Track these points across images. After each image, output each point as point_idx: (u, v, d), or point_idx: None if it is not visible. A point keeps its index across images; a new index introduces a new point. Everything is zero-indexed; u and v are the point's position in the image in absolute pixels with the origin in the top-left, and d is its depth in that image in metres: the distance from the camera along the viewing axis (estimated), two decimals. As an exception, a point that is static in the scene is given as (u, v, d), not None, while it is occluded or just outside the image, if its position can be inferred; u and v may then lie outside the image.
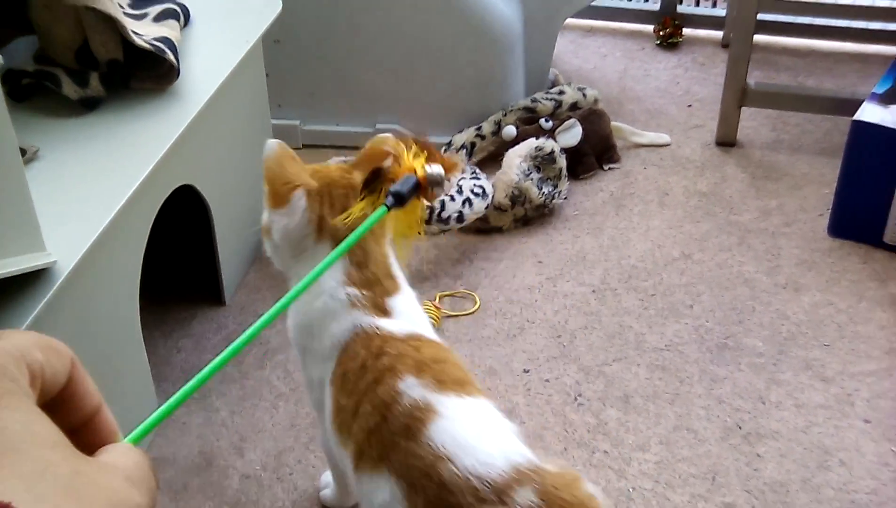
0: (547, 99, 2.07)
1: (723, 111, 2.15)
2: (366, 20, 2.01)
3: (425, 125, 2.10)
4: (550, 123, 2.03)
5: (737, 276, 1.76)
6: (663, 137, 2.18)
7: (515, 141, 1.99)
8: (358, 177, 1.16)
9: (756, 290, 1.73)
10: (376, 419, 1.03)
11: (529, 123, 2.05)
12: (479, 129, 2.05)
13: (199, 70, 1.53)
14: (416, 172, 1.08)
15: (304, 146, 2.14)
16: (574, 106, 2.09)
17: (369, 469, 1.04)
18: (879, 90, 1.89)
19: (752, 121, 2.24)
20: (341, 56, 2.05)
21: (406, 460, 1.00)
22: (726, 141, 2.18)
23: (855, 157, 1.83)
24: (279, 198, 1.14)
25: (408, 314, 1.15)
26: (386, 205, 0.99)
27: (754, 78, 2.32)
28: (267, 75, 1.81)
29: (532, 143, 1.93)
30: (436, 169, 1.08)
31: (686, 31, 2.60)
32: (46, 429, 0.38)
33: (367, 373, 1.07)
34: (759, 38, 2.50)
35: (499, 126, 2.05)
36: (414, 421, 1.01)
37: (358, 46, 2.04)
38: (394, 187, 1.03)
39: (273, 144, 1.15)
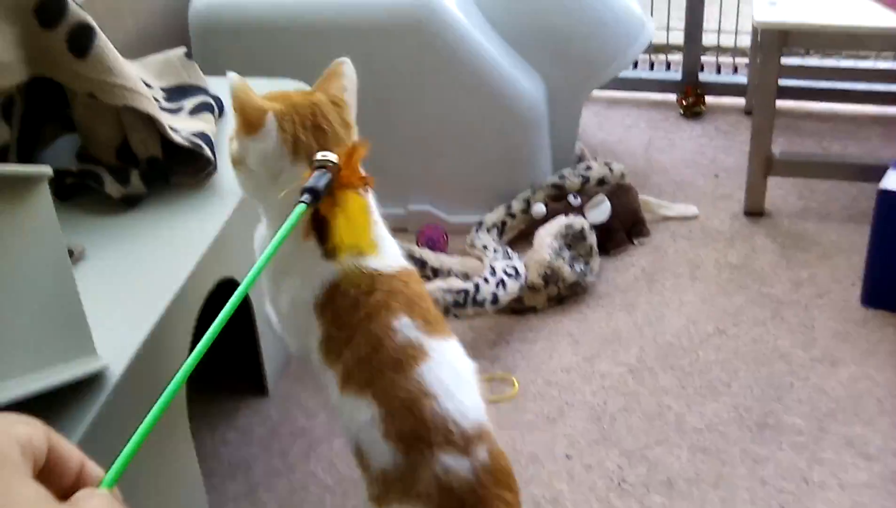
0: (574, 175, 2.09)
1: (749, 182, 2.16)
2: (395, 105, 2.04)
3: (456, 205, 2.12)
4: (579, 199, 2.04)
5: (772, 351, 1.76)
6: (691, 209, 2.19)
7: (545, 219, 2.00)
8: (320, 96, 1.25)
9: (793, 365, 1.72)
10: (367, 350, 1.13)
11: (558, 199, 2.06)
12: (509, 207, 2.07)
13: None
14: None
15: (336, 227, 2.15)
16: (601, 181, 2.10)
17: (354, 391, 1.14)
18: (907, 158, 1.90)
19: (779, 189, 2.25)
20: (372, 140, 2.07)
21: (391, 390, 1.11)
22: (754, 211, 2.18)
23: (883, 225, 1.83)
24: (252, 125, 1.17)
25: (389, 248, 1.26)
26: (304, 201, 1.00)
27: (779, 145, 2.34)
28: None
29: (562, 221, 1.95)
30: (322, 155, 1.11)
31: (709, 99, 2.63)
32: (36, 494, 0.46)
33: (360, 309, 1.15)
34: (781, 103, 2.52)
35: (528, 204, 2.07)
36: (406, 358, 1.12)
37: (388, 130, 2.07)
38: (307, 184, 1.05)
39: (234, 76, 1.17)
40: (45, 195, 0.99)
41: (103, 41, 1.38)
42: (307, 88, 1.36)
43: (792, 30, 1.99)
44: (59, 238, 1.04)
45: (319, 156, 1.11)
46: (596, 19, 2.13)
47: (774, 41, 2.01)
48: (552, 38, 2.09)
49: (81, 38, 1.35)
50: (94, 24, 1.37)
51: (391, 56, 2.00)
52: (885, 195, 1.81)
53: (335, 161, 1.11)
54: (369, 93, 2.01)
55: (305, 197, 1.05)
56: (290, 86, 1.63)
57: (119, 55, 1.41)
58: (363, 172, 1.23)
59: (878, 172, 1.87)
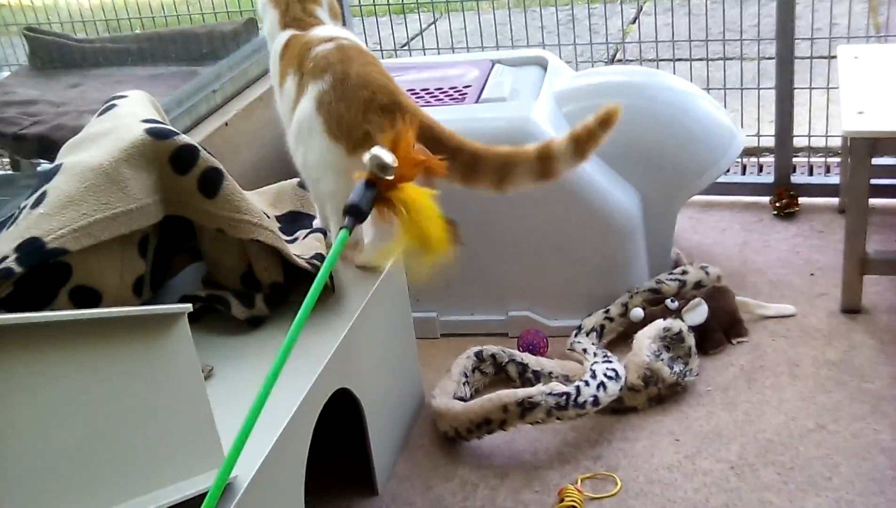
0: (671, 280, 2.17)
1: (845, 280, 2.21)
2: (495, 216, 2.16)
3: (555, 310, 2.22)
4: (676, 303, 2.12)
5: (873, 445, 1.79)
6: (788, 309, 2.24)
7: (643, 322, 2.08)
8: None
9: (894, 459, 1.75)
10: None
11: (655, 303, 2.14)
12: (607, 311, 2.15)
13: (348, 281, 1.69)
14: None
15: (442, 336, 2.27)
16: (698, 284, 2.17)
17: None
18: None
19: (875, 285, 2.28)
20: (473, 250, 2.20)
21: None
22: (851, 308, 2.22)
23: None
24: None
25: None
26: (346, 227, 1.02)
27: (873, 243, 2.37)
28: (407, 275, 1.96)
29: (660, 324, 2.02)
30: (376, 152, 1.11)
31: (802, 200, 2.68)
32: None
33: None
34: (875, 201, 2.57)
35: (626, 308, 2.15)
36: None
37: (489, 240, 2.19)
38: (348, 201, 1.06)
39: None
40: (184, 329, 1.12)
41: (230, 182, 1.54)
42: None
43: (881, 137, 2.06)
44: (196, 364, 1.17)
45: (370, 159, 1.11)
46: (686, 134, 2.23)
47: (864, 149, 2.08)
48: (645, 153, 2.20)
49: (211, 181, 1.52)
50: (221, 167, 1.53)
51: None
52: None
53: (388, 165, 1.12)
54: (472, 204, 2.16)
55: (348, 221, 1.07)
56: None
57: (244, 193, 1.56)
58: (419, 155, 1.25)
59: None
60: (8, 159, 2.50)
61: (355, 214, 1.09)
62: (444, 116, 2.14)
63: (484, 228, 2.17)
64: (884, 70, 2.32)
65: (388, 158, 1.16)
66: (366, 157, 1.15)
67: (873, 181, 2.14)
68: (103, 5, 3.38)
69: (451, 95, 2.27)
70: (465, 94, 2.27)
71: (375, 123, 1.54)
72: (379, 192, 1.13)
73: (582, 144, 1.60)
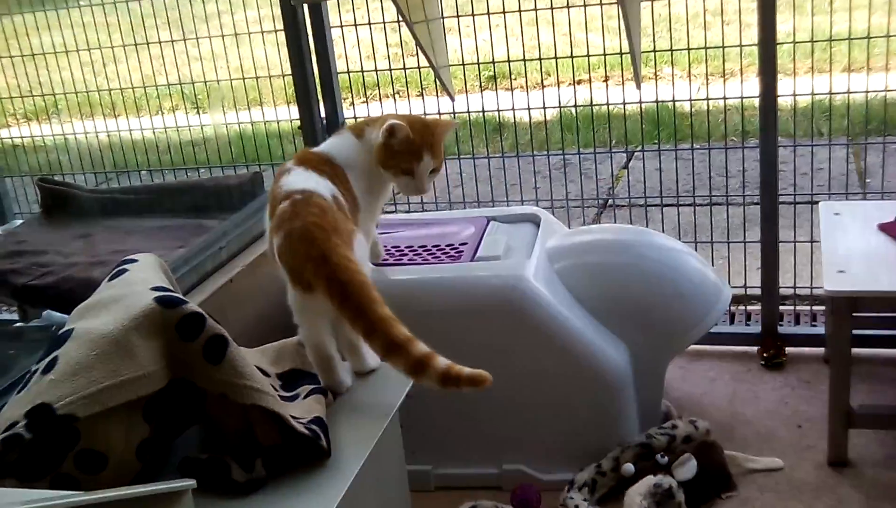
0: (661, 434, 2.22)
1: (831, 434, 2.26)
2: (488, 370, 2.22)
3: (548, 464, 2.26)
4: (666, 458, 2.16)
5: None
6: (776, 462, 2.28)
7: (634, 478, 2.12)
8: None
9: None
10: None
11: (646, 458, 2.19)
12: (598, 466, 2.20)
13: (346, 444, 1.73)
14: None
15: (436, 489, 2.31)
16: (687, 439, 2.22)
17: None
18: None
19: (861, 437, 2.33)
20: (468, 405, 2.24)
21: None
22: (838, 462, 2.27)
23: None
24: None
25: None
26: None
27: (859, 394, 2.44)
28: (402, 429, 2.00)
29: (650, 480, 2.07)
30: None
31: (789, 349, 2.75)
32: None
33: None
34: (860, 351, 2.64)
35: (617, 462, 2.19)
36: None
37: (482, 394, 2.23)
38: None
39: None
40: (188, 503, 1.17)
41: (234, 348, 1.60)
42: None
43: (862, 296, 2.14)
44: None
45: None
46: (674, 290, 2.32)
47: (845, 307, 2.16)
48: (634, 309, 2.28)
49: (216, 349, 1.58)
50: (226, 334, 1.60)
51: (486, 332, 2.20)
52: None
53: None
54: (465, 364, 2.22)
55: None
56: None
57: (247, 358, 1.63)
58: None
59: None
60: (16, 308, 2.57)
61: None
62: (440, 275, 2.25)
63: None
64: (864, 227, 2.41)
65: None
66: None
67: (858, 332, 2.21)
68: (112, 145, 3.51)
69: (448, 253, 2.35)
70: (462, 251, 2.35)
71: (310, 272, 1.74)
72: None
73: (446, 380, 1.70)
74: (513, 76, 3.02)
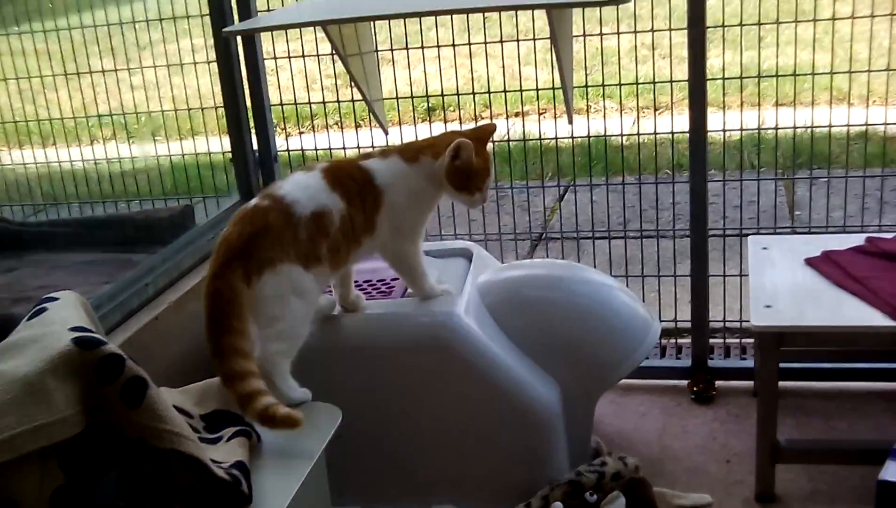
0: (590, 472, 2.21)
1: (758, 469, 2.28)
2: (418, 412, 2.22)
3: (477, 502, 2.24)
4: (595, 497, 2.16)
5: None
6: (705, 498, 2.29)
7: (563, 516, 2.12)
8: None
9: None
10: None
11: (575, 496, 2.18)
12: (528, 505, 2.18)
13: (269, 488, 1.71)
14: None
15: (366, 527, 2.29)
16: (617, 476, 2.22)
17: None
18: (900, 447, 2.01)
19: (789, 472, 2.36)
20: (396, 441, 2.24)
21: None
22: (766, 496, 2.29)
23: (884, 516, 1.93)
24: None
25: None
26: None
27: (788, 430, 2.47)
28: (330, 467, 1.98)
29: (579, 518, 2.07)
30: None
31: (719, 383, 2.78)
32: None
33: None
34: (788, 384, 2.67)
35: (546, 501, 2.18)
36: None
37: (410, 432, 2.23)
38: None
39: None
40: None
41: (154, 390, 1.57)
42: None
43: (787, 332, 2.17)
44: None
45: None
46: (604, 326, 2.32)
47: (771, 343, 2.18)
48: (563, 346, 2.28)
49: (134, 391, 1.55)
50: (145, 376, 1.57)
51: (416, 368, 2.19)
52: (884, 487, 1.91)
53: None
54: (394, 402, 2.21)
55: None
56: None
57: (168, 402, 1.60)
58: None
59: (881, 456, 1.97)
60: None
61: None
62: (370, 311, 2.23)
63: (406, 419, 2.22)
64: (791, 261, 2.44)
65: None
66: None
67: (787, 365, 2.23)
68: (43, 176, 3.45)
69: (379, 289, 2.34)
70: (393, 287, 2.35)
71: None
72: None
73: (264, 419, 1.77)
74: (450, 108, 3.03)
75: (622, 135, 3.09)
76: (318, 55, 2.91)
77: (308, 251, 1.96)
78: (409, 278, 2.23)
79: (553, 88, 2.95)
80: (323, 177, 2.03)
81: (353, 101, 2.93)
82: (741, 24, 2.66)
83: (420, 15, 2.41)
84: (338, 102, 2.99)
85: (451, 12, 2.34)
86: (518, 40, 2.86)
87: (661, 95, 3.03)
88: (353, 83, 2.61)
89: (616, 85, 2.95)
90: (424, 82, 3.12)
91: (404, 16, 2.28)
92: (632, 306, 2.41)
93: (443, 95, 2.98)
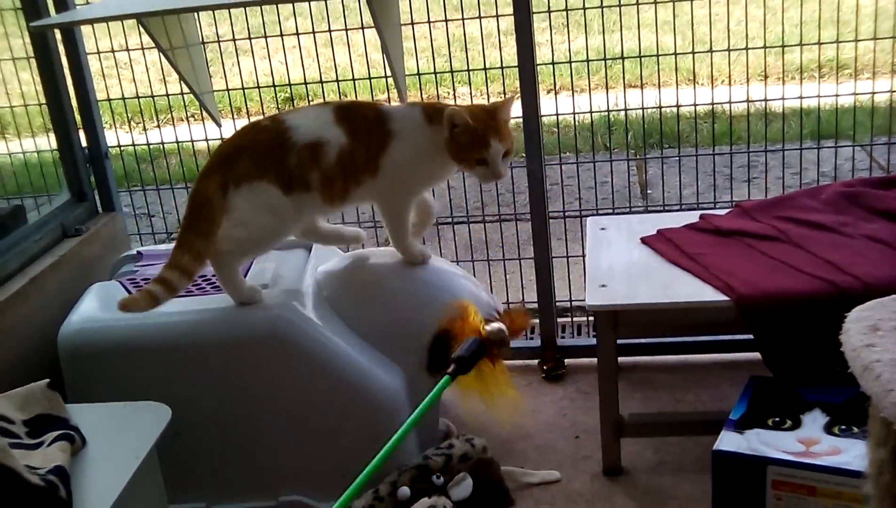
0: (437, 455, 2.21)
1: (604, 444, 2.31)
2: (262, 407, 2.18)
3: (327, 492, 2.21)
4: (442, 479, 2.16)
5: None
6: (553, 474, 2.32)
7: (410, 501, 2.11)
8: None
9: None
10: None
11: (423, 480, 2.18)
12: (376, 491, 2.17)
13: (91, 490, 1.65)
14: (479, 333, 1.32)
15: (213, 525, 2.24)
16: (464, 457, 2.23)
17: None
18: (735, 416, 2.06)
19: (636, 445, 2.40)
20: (241, 439, 2.20)
21: None
22: (613, 470, 2.32)
23: (720, 484, 1.97)
24: None
25: None
26: (449, 374, 1.25)
27: (636, 400, 2.53)
28: (171, 466, 1.92)
29: (425, 502, 2.06)
30: (496, 327, 1.30)
31: (568, 361, 2.81)
32: None
33: None
34: (635, 359, 2.73)
35: (395, 486, 2.17)
36: None
37: (257, 424, 2.19)
38: (456, 353, 1.31)
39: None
40: None
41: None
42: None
43: (622, 310, 2.20)
44: None
45: (496, 332, 1.39)
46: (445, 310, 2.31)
47: (607, 321, 2.21)
48: (405, 331, 2.26)
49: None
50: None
51: (255, 363, 2.14)
52: (719, 456, 1.96)
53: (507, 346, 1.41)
54: (236, 398, 2.16)
55: (452, 367, 1.28)
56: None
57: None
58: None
59: (721, 426, 2.02)
60: None
61: (459, 364, 1.48)
62: (202, 307, 2.18)
63: (249, 414, 2.18)
64: (628, 241, 2.48)
65: (509, 341, 1.57)
66: (489, 327, 1.55)
67: (629, 341, 2.26)
68: None
69: (214, 283, 2.28)
70: (229, 281, 2.29)
71: None
72: (484, 350, 1.49)
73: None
74: (310, 98, 2.99)
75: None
76: (142, 48, 2.83)
77: (294, 177, 2.09)
78: (393, 231, 2.29)
79: (434, 73, 2.91)
80: (332, 111, 2.13)
81: (182, 94, 2.86)
82: (566, 10, 2.68)
83: (242, 5, 2.35)
84: (167, 95, 2.92)
85: (261, 3, 2.28)
86: (368, 27, 2.82)
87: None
88: (180, 77, 2.54)
89: (463, 71, 2.94)
90: (278, 73, 3.07)
91: (224, 7, 2.21)
92: (474, 292, 2.41)
93: (305, 84, 2.95)
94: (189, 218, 2.09)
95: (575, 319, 2.99)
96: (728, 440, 1.98)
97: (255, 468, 2.23)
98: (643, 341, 2.76)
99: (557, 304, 2.86)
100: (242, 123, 2.88)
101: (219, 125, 2.71)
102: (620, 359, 2.71)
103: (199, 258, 2.07)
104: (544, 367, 2.78)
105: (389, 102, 2.74)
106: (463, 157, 2.13)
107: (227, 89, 3.01)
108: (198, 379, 2.16)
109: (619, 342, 2.70)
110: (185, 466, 2.15)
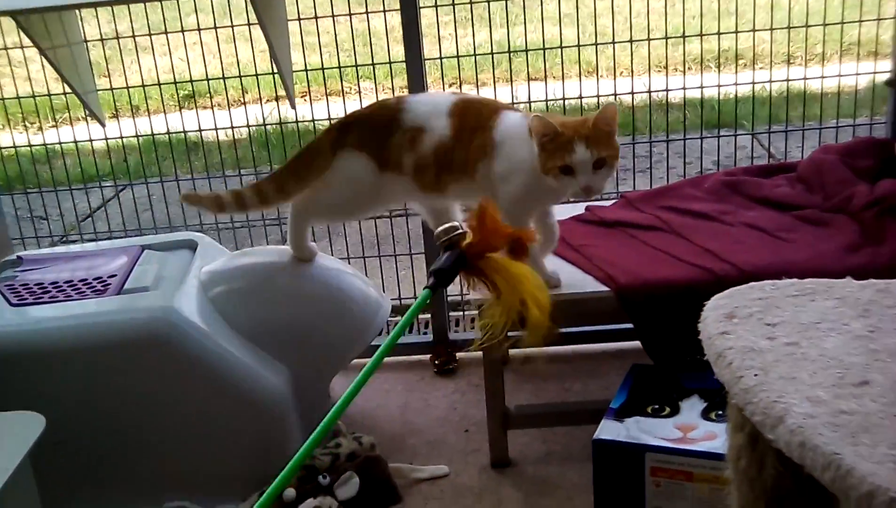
0: (324, 454, 2.21)
1: (491, 437, 2.33)
2: (145, 411, 2.14)
3: (213, 496, 2.19)
4: (328, 478, 2.16)
5: None
6: (441, 469, 2.33)
7: (296, 502, 2.10)
8: None
9: None
10: None
11: (310, 480, 2.17)
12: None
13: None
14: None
15: (98, 534, 2.20)
16: (352, 456, 2.23)
17: None
18: (615, 404, 2.10)
19: (524, 436, 2.42)
20: (125, 445, 2.16)
21: None
22: (500, 462, 2.35)
23: (601, 472, 2.01)
24: None
25: None
26: (428, 287, 1.19)
27: (525, 391, 2.55)
28: (52, 475, 1.88)
29: (310, 503, 2.06)
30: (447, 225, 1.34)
31: (461, 354, 2.83)
32: None
33: None
34: (525, 350, 2.74)
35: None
36: None
37: (139, 434, 2.16)
38: (433, 266, 1.25)
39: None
40: None
41: None
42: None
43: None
44: None
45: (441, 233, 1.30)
46: (332, 310, 2.32)
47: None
48: (292, 332, 2.26)
49: None
50: None
51: (136, 368, 2.11)
52: (599, 445, 1.99)
53: (454, 229, 1.30)
54: (117, 404, 2.13)
55: (431, 282, 1.21)
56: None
57: None
58: (505, 228, 1.46)
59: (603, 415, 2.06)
60: None
61: (438, 277, 1.31)
62: (81, 311, 2.14)
63: (132, 420, 2.14)
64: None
65: (454, 224, 1.39)
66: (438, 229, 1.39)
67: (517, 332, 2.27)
68: None
69: (94, 287, 2.24)
70: (109, 284, 2.25)
71: None
72: (465, 260, 1.33)
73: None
74: (210, 94, 2.96)
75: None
76: (22, 46, 2.76)
77: (391, 156, 2.12)
78: None
79: (323, 69, 2.89)
80: (452, 102, 2.11)
81: (65, 93, 2.80)
82: (453, 4, 2.69)
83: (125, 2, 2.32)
84: (49, 95, 2.86)
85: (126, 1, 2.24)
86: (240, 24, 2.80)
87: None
88: (61, 77, 2.48)
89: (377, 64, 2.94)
90: (174, 68, 3.03)
91: (93, 5, 2.17)
92: (362, 288, 2.41)
93: (209, 80, 2.92)
94: (294, 159, 2.19)
95: (467, 313, 3.01)
96: (608, 429, 2.01)
97: (141, 473, 2.19)
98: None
99: (449, 298, 2.87)
100: (143, 121, 2.86)
101: (103, 125, 2.66)
102: (512, 351, 2.76)
103: (281, 194, 2.20)
104: (436, 361, 2.80)
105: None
106: (549, 166, 1.97)
107: (128, 87, 2.94)
108: (78, 386, 2.12)
109: (509, 334, 2.75)
110: (67, 474, 2.11)
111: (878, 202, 2.29)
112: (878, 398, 1.09)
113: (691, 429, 1.97)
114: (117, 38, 2.79)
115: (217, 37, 2.79)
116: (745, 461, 1.25)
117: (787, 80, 2.87)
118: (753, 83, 2.92)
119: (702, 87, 2.90)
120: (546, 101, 2.92)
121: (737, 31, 2.78)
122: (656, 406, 2.06)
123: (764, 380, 1.13)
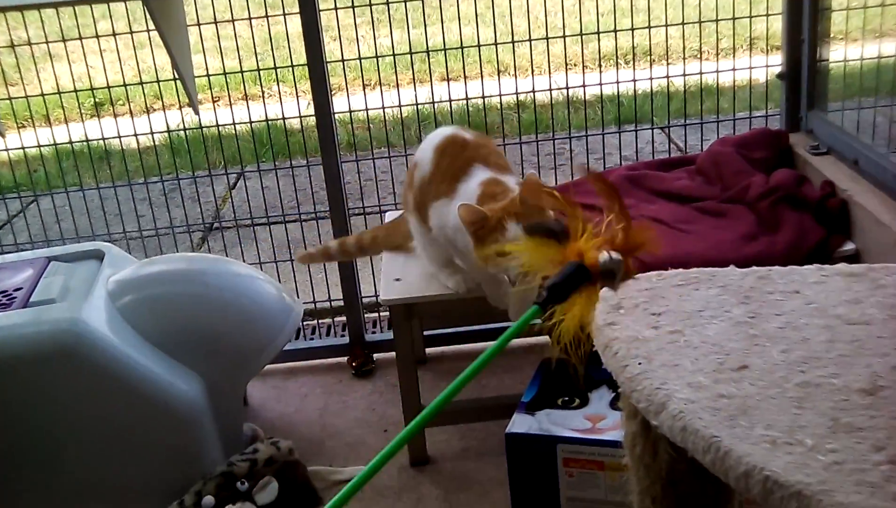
0: (242, 460, 2.20)
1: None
2: (55, 426, 2.12)
3: (131, 506, 2.19)
4: (246, 485, 2.15)
5: None
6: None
7: (214, 509, 2.10)
8: None
9: None
10: None
11: (228, 487, 2.16)
12: (181, 503, 2.14)
13: None
14: (582, 257, 1.10)
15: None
16: (270, 461, 2.22)
17: None
18: (527, 398, 2.14)
19: (443, 434, 2.45)
20: (37, 460, 2.13)
21: None
22: (419, 460, 2.37)
23: (515, 465, 2.05)
24: None
25: None
26: (538, 303, 1.02)
27: (441, 389, 2.54)
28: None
29: (228, 509, 2.05)
30: (611, 257, 1.09)
31: (377, 355, 2.85)
32: None
33: None
34: (443, 349, 2.78)
35: (199, 496, 2.15)
36: None
37: (52, 448, 2.13)
38: (551, 280, 1.09)
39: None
40: None
41: None
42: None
43: (415, 303, 2.24)
44: None
45: (612, 261, 1.10)
46: (242, 316, 2.32)
47: (402, 314, 2.25)
48: (202, 339, 2.24)
49: None
50: None
51: (45, 382, 2.07)
52: (511, 438, 2.03)
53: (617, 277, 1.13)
54: (27, 418, 2.10)
55: (542, 296, 1.07)
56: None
57: None
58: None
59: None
60: None
61: (552, 294, 1.08)
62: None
63: (43, 434, 2.12)
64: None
65: (619, 266, 1.12)
66: (604, 256, 1.11)
67: (435, 332, 2.30)
68: None
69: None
70: (15, 297, 2.22)
71: None
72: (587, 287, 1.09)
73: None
74: (119, 102, 2.93)
75: (300, 117, 3.06)
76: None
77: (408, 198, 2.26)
78: None
79: (224, 74, 2.86)
80: (445, 136, 2.16)
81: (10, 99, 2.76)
82: (353, 7, 2.70)
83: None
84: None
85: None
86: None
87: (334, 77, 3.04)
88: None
89: (276, 69, 2.94)
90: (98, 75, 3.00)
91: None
92: (273, 293, 2.42)
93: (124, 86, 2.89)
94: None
95: (382, 313, 3.03)
96: (520, 423, 2.05)
97: (57, 487, 2.17)
98: (450, 330, 2.81)
99: (364, 300, 2.89)
100: (61, 130, 2.81)
101: (2, 136, 2.62)
102: (428, 350, 2.79)
103: (373, 245, 2.45)
104: (353, 363, 2.81)
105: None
106: (487, 254, 1.90)
107: (43, 95, 2.88)
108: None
109: (426, 333, 2.78)
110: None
111: (773, 192, 2.36)
112: (757, 382, 1.13)
113: (600, 419, 2.02)
114: (29, 43, 2.76)
115: (133, 42, 2.76)
116: (640, 447, 1.29)
117: (684, 74, 2.93)
118: (651, 78, 2.99)
119: (601, 83, 2.94)
120: (449, 101, 2.95)
121: (650, 27, 2.82)
122: (566, 398, 2.10)
123: (647, 368, 1.17)
